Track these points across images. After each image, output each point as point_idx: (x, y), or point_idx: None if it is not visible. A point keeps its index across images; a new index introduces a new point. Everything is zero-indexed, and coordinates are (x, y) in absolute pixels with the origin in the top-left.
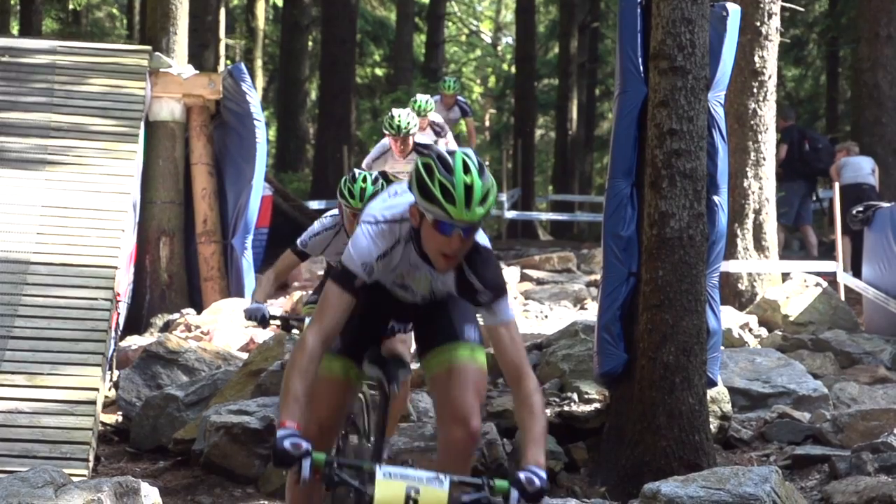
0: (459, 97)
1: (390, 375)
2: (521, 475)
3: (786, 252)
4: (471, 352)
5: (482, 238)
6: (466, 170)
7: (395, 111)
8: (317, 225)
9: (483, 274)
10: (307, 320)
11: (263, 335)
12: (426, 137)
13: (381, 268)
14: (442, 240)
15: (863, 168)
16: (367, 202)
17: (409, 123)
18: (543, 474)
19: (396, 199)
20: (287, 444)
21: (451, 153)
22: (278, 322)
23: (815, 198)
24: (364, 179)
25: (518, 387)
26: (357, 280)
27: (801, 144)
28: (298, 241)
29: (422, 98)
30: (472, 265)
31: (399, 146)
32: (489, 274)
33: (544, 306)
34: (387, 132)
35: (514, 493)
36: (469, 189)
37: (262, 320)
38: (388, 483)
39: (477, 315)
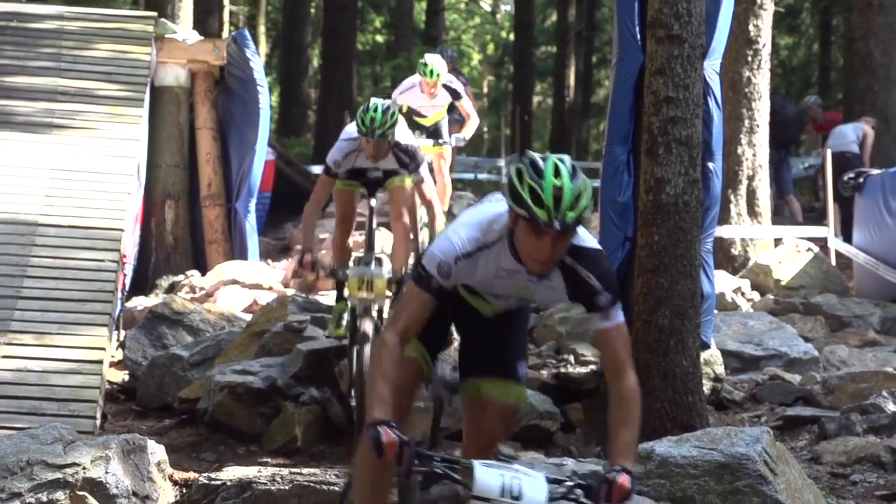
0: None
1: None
2: (610, 475)
3: (777, 218)
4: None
5: (591, 241)
6: (557, 174)
7: (428, 58)
8: (342, 145)
9: (598, 273)
10: (351, 269)
11: (267, 297)
12: (441, 99)
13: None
14: (534, 243)
15: (847, 136)
16: (378, 131)
17: (439, 71)
18: (630, 476)
19: (493, 206)
20: (384, 433)
21: (545, 158)
22: (325, 271)
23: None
24: (375, 109)
25: (618, 384)
26: (433, 281)
27: (776, 111)
28: (330, 163)
29: (430, 60)
30: (583, 263)
31: (430, 89)
32: (605, 274)
33: None
34: (423, 77)
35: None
36: (559, 192)
37: (313, 267)
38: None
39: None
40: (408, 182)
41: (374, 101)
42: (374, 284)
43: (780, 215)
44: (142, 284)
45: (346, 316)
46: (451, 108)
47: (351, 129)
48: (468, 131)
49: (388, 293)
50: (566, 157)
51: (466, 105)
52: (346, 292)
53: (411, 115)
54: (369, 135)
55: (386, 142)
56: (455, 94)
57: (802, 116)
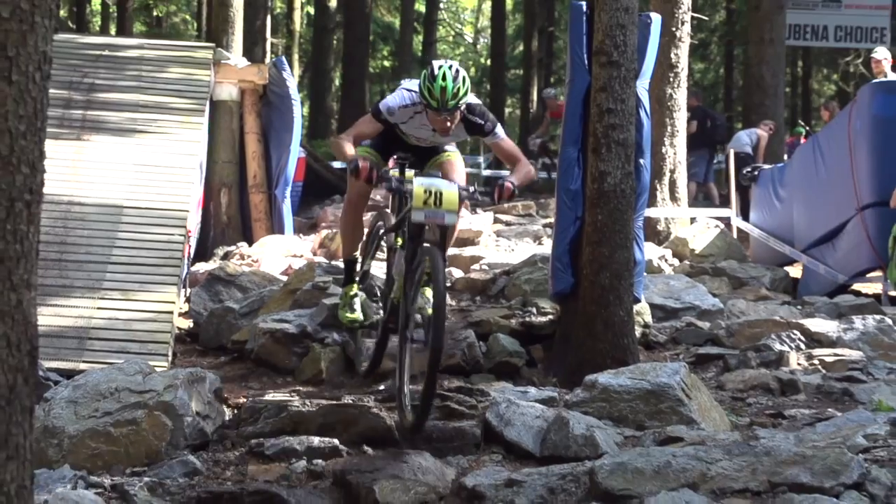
0: None
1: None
2: (500, 181)
3: (693, 202)
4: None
5: (474, 98)
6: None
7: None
8: (405, 96)
9: (482, 115)
10: (414, 178)
11: (299, 263)
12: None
13: (400, 114)
14: (436, 118)
15: (742, 140)
16: (451, 102)
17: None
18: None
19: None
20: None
21: (441, 66)
22: (386, 181)
23: (715, 161)
24: (444, 77)
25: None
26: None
27: (706, 122)
28: (383, 108)
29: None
30: (473, 113)
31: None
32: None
33: (511, 242)
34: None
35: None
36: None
37: (370, 177)
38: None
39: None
40: (455, 157)
41: (438, 64)
42: (442, 196)
43: (696, 200)
44: (203, 253)
45: (357, 301)
46: None
47: (414, 87)
48: None
49: (459, 214)
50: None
51: None
52: (357, 271)
53: None
54: (441, 109)
55: (458, 112)
56: None
57: (727, 124)
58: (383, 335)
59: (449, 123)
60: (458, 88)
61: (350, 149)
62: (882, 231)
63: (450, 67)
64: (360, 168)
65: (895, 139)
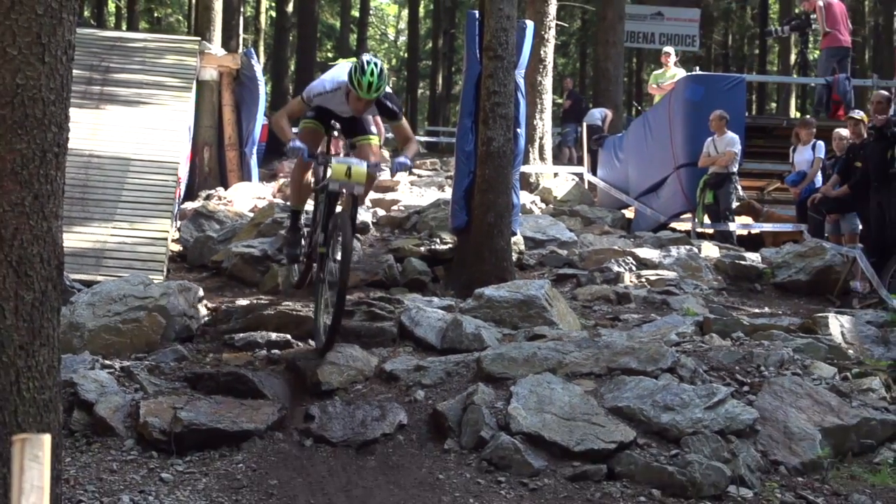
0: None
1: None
2: (397, 158)
3: (556, 162)
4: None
5: (389, 89)
6: (371, 73)
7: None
8: (320, 85)
9: (393, 102)
10: (334, 160)
11: (262, 203)
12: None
13: (321, 99)
14: (357, 101)
15: (594, 116)
16: (374, 94)
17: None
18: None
19: (339, 71)
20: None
21: (369, 62)
22: (317, 158)
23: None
24: (372, 73)
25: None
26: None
27: (580, 102)
28: (306, 95)
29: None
30: (388, 99)
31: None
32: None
33: (422, 189)
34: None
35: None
36: (370, 83)
37: (307, 156)
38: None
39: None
40: (374, 141)
41: (367, 59)
42: (352, 171)
43: (559, 160)
44: (190, 195)
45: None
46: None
47: (337, 76)
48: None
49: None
50: (379, 62)
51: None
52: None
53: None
54: (365, 95)
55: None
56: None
57: (588, 104)
58: (308, 262)
59: (365, 105)
60: (381, 85)
61: (290, 132)
62: (692, 184)
63: (377, 64)
64: (315, 156)
65: (702, 116)
